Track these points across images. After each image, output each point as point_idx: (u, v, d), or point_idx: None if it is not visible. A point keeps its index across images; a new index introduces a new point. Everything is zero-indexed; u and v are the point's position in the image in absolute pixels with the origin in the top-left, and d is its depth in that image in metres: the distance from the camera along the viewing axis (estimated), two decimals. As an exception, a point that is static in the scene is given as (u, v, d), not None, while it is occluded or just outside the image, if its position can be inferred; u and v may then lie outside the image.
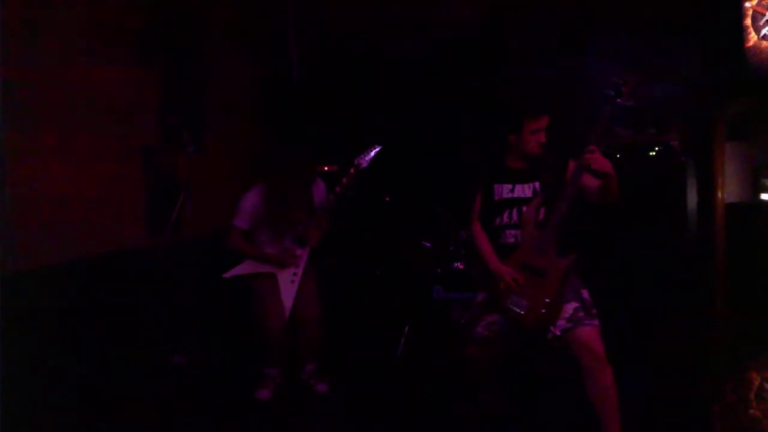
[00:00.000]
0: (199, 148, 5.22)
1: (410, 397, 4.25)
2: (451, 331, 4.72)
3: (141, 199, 5.01)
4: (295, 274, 4.21)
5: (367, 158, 4.11)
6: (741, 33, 5.01)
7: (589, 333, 3.19)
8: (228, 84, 5.99)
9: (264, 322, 4.12)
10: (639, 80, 3.12)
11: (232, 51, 6.17)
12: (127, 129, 4.87)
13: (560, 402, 3.96)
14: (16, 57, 4.03)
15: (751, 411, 3.70)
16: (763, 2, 4.95)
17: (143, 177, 5.00)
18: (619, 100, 3.13)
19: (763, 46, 4.97)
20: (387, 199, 5.40)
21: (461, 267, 5.04)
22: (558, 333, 3.22)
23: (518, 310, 3.27)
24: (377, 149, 4.13)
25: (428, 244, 5.12)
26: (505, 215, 3.44)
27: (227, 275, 4.19)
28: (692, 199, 5.54)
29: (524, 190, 3.42)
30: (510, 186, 3.44)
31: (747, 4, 5.00)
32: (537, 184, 3.40)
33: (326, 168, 5.18)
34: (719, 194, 5.50)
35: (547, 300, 3.20)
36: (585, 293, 3.31)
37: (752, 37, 5.00)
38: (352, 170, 4.09)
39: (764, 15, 4.95)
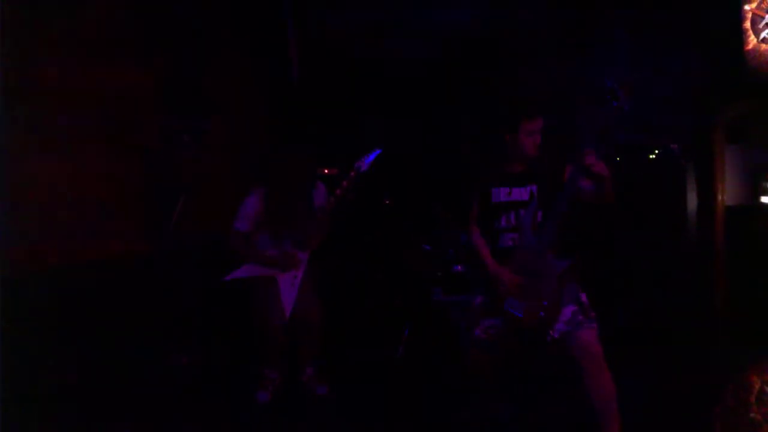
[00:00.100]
0: (200, 150, 5.23)
1: (410, 400, 4.25)
2: (450, 334, 4.73)
3: (141, 201, 5.02)
4: (295, 276, 4.21)
5: (367, 161, 4.11)
6: (740, 36, 5.02)
7: (588, 336, 3.19)
8: (228, 86, 6.00)
9: (264, 324, 4.12)
10: (636, 84, 3.13)
11: (233, 53, 6.18)
12: (128, 131, 4.88)
13: (560, 405, 3.96)
14: (17, 58, 4.05)
15: (752, 414, 3.71)
16: (763, 5, 4.96)
17: (144, 179, 5.02)
18: (615, 104, 3.13)
19: (762, 49, 4.98)
20: (387, 201, 5.40)
21: (461, 270, 5.04)
22: (556, 336, 3.22)
23: (516, 314, 3.28)
24: (377, 152, 4.13)
25: (428, 247, 5.12)
26: (503, 219, 3.44)
27: (228, 278, 4.19)
28: (692, 202, 5.54)
29: (522, 194, 3.42)
30: (507, 189, 3.44)
31: (746, 7, 5.01)
32: (534, 188, 3.40)
33: (326, 171, 5.19)
34: (719, 197, 5.50)
35: (546, 303, 3.20)
36: (583, 296, 3.31)
37: (752, 40, 5.01)
38: (352, 173, 4.09)
39: (764, 18, 4.96)
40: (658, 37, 5.52)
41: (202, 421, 4.01)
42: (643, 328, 5.04)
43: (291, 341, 4.21)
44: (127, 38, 4.90)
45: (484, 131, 3.87)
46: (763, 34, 4.97)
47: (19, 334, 3.72)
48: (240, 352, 4.73)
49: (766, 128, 5.74)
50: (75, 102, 4.44)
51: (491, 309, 3.40)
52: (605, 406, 3.16)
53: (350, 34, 6.43)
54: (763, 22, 4.96)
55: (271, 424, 4.02)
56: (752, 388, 4.04)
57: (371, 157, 4.11)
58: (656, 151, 5.52)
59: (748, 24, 5.02)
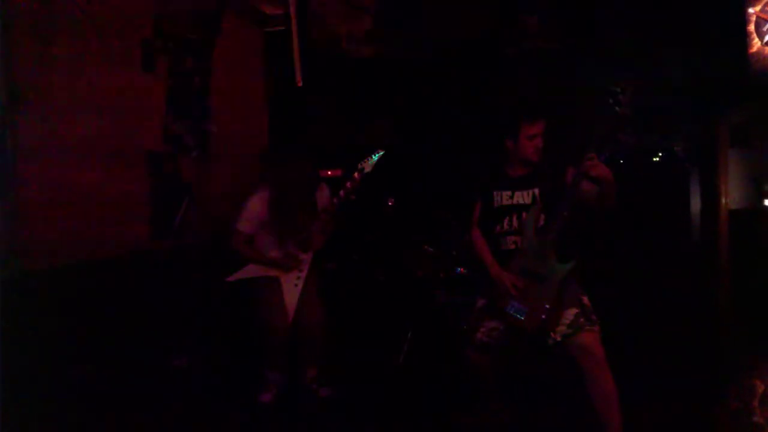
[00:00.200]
0: (203, 153, 5.24)
1: (412, 403, 4.25)
2: (452, 335, 4.72)
3: (145, 203, 5.03)
4: (298, 278, 4.21)
5: (370, 162, 4.11)
6: (744, 39, 5.02)
7: (590, 338, 3.19)
8: (232, 89, 6.01)
9: (267, 325, 4.12)
10: (639, 87, 3.13)
11: (236, 56, 6.19)
12: (132, 134, 4.89)
13: (562, 408, 3.95)
14: (25, 62, 4.07)
15: (755, 418, 3.71)
16: (767, 8, 4.95)
17: (148, 181, 5.03)
18: (618, 107, 3.14)
19: (766, 52, 4.98)
20: (390, 203, 5.40)
21: (464, 272, 5.03)
22: (558, 339, 3.23)
23: (518, 316, 3.28)
24: (380, 153, 4.14)
25: (431, 249, 5.12)
26: (505, 222, 3.44)
27: (231, 279, 4.19)
28: (695, 205, 5.53)
29: (524, 197, 3.42)
30: (509, 193, 3.45)
31: (750, 11, 5.01)
32: (536, 191, 3.40)
33: (329, 172, 5.19)
34: (722, 200, 5.50)
35: (548, 306, 3.21)
36: (585, 299, 3.31)
37: (755, 43, 5.01)
38: (355, 174, 4.09)
39: (767, 21, 4.95)
40: (661, 40, 5.52)
41: (204, 422, 4.00)
42: (646, 329, 5.03)
43: (293, 342, 4.20)
44: (132, 44, 4.91)
45: (485, 134, 3.87)
46: (766, 38, 4.96)
47: (19, 334, 3.72)
48: (242, 353, 4.73)
49: (770, 131, 5.75)
50: (81, 106, 4.45)
51: (493, 311, 3.40)
52: (607, 408, 3.16)
53: (352, 35, 6.44)
54: (767, 26, 4.95)
55: (273, 425, 4.02)
56: (755, 391, 4.03)
57: (374, 158, 4.11)
58: (660, 154, 5.51)
59: (752, 27, 5.02)
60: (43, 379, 4.02)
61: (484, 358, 3.43)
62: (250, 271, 4.21)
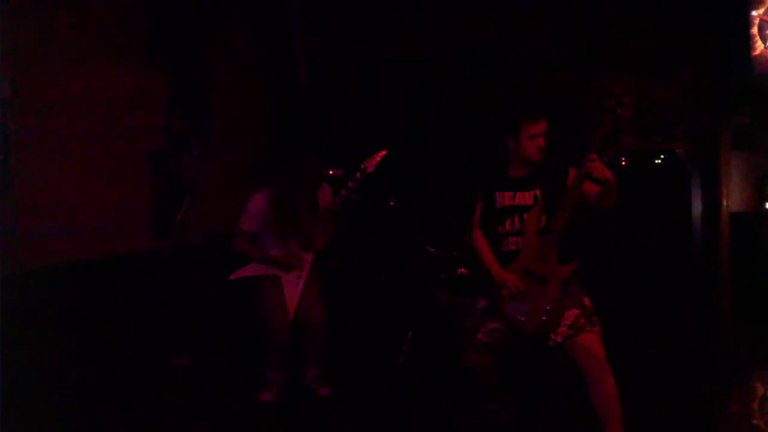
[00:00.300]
0: (205, 152, 5.24)
1: (412, 403, 4.25)
2: (453, 336, 4.72)
3: (146, 201, 5.04)
4: (299, 277, 4.21)
5: (372, 162, 4.12)
6: (748, 41, 5.01)
7: (591, 339, 3.20)
8: (234, 89, 6.02)
9: (268, 324, 4.12)
10: (642, 90, 3.13)
11: (238, 56, 6.20)
12: (134, 132, 4.90)
13: (562, 409, 3.95)
14: (26, 61, 4.07)
15: (755, 421, 3.69)
16: (771, 12, 4.95)
17: (149, 180, 5.05)
18: (620, 109, 3.14)
19: (769, 54, 4.98)
20: (392, 203, 5.40)
21: (465, 272, 5.03)
22: (559, 340, 3.23)
23: (519, 317, 3.28)
24: (383, 153, 4.14)
25: (432, 249, 5.12)
26: (507, 223, 3.44)
27: (232, 277, 4.20)
28: (697, 207, 5.52)
29: (525, 198, 3.42)
30: (511, 194, 3.45)
31: (754, 13, 5.00)
32: (538, 192, 3.40)
33: (331, 172, 5.19)
34: (724, 203, 5.48)
35: (548, 307, 3.21)
36: (586, 300, 3.31)
37: (759, 46, 5.00)
38: (357, 174, 4.10)
39: (771, 24, 4.95)
40: (664, 42, 5.51)
41: (204, 421, 4.01)
42: (646, 331, 5.03)
43: (294, 342, 4.21)
44: (134, 43, 4.92)
45: (487, 134, 3.87)
46: (770, 40, 4.96)
47: (19, 333, 3.72)
48: (242, 353, 4.73)
49: (772, 135, 5.73)
50: (82, 105, 4.46)
51: (494, 312, 3.40)
52: (608, 410, 3.16)
53: (355, 36, 6.44)
54: (771, 29, 4.95)
55: (273, 425, 4.03)
56: (755, 394, 4.02)
57: (376, 158, 4.12)
58: (662, 156, 5.50)
59: (755, 30, 5.01)
60: (43, 379, 4.03)
61: (485, 358, 3.43)
62: (252, 269, 4.21)
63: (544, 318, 3.21)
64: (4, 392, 3.43)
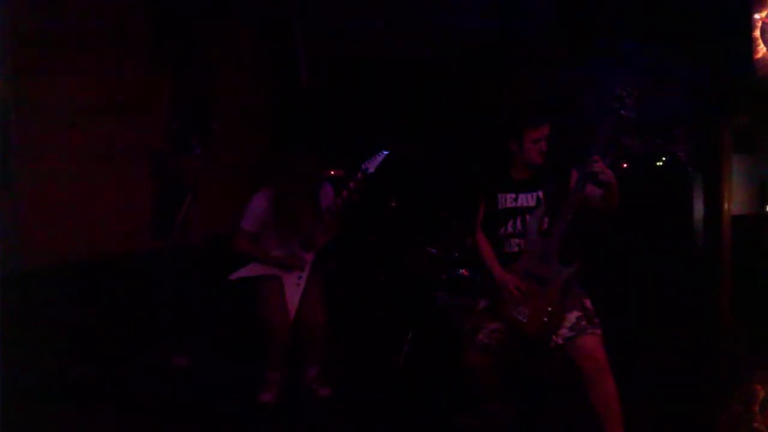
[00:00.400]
0: (207, 152, 5.24)
1: (412, 403, 4.24)
2: (453, 337, 4.72)
3: (148, 201, 5.04)
4: (300, 277, 4.21)
5: (374, 163, 4.12)
6: (750, 44, 5.01)
7: (592, 341, 3.19)
8: (235, 88, 6.02)
9: (268, 324, 4.12)
10: (643, 91, 3.12)
11: (239, 56, 6.20)
12: (136, 132, 4.90)
13: (562, 411, 3.95)
14: (28, 61, 4.07)
15: (755, 424, 3.70)
16: (773, 15, 4.95)
17: (150, 180, 5.04)
18: (623, 111, 3.13)
19: (771, 58, 4.98)
20: (393, 204, 5.40)
21: (466, 273, 5.03)
22: (560, 341, 3.22)
23: (520, 319, 3.27)
24: (385, 154, 4.14)
25: (433, 250, 5.12)
26: (509, 224, 3.44)
27: (233, 277, 4.20)
28: (698, 210, 5.52)
29: (528, 200, 3.42)
30: (514, 195, 3.45)
31: (756, 16, 5.01)
32: (540, 193, 3.40)
33: (333, 172, 5.19)
34: (726, 206, 5.49)
35: (550, 309, 3.20)
36: (587, 302, 3.31)
37: (761, 49, 5.00)
38: (359, 175, 4.10)
39: (774, 27, 4.96)
40: (667, 45, 5.51)
41: (204, 421, 4.00)
42: (648, 333, 5.03)
43: (294, 342, 4.20)
44: (137, 43, 4.92)
45: (489, 137, 3.87)
46: (772, 43, 4.96)
47: (19, 333, 3.72)
48: (243, 353, 4.72)
49: (774, 137, 5.74)
50: (84, 105, 4.46)
51: (495, 313, 3.40)
52: (608, 412, 3.16)
53: (357, 37, 6.44)
54: (773, 32, 4.95)
55: (274, 425, 4.02)
56: (756, 396, 4.03)
57: (378, 158, 4.11)
58: (663, 159, 5.50)
59: (757, 33, 5.01)
60: (43, 379, 4.03)
61: (485, 359, 3.42)
62: (253, 269, 4.21)
63: (545, 319, 3.21)
64: (4, 392, 3.42)
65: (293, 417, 4.11)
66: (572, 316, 3.24)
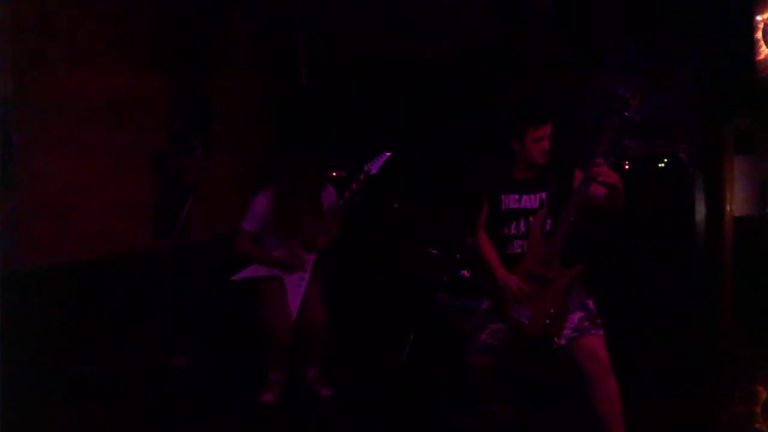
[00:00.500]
0: (208, 152, 5.23)
1: (413, 403, 4.24)
2: (455, 338, 4.72)
3: (149, 201, 5.03)
4: (302, 278, 4.21)
5: (376, 164, 4.12)
6: (752, 46, 5.02)
7: (594, 342, 3.19)
8: (236, 89, 6.01)
9: (270, 324, 4.12)
10: (647, 93, 3.12)
11: (240, 56, 6.19)
12: (137, 132, 4.89)
13: (564, 412, 3.95)
14: (28, 61, 4.06)
15: (757, 425, 3.70)
16: (776, 16, 4.96)
17: (152, 180, 5.03)
18: (626, 112, 3.13)
19: (773, 59, 4.98)
20: (395, 205, 5.40)
21: (467, 275, 5.03)
22: (563, 342, 3.22)
23: (522, 320, 3.27)
24: (387, 156, 4.14)
25: (435, 251, 5.12)
26: (512, 225, 3.44)
27: (235, 278, 4.20)
28: (700, 211, 5.51)
29: (531, 201, 3.41)
30: (517, 196, 3.44)
31: (758, 18, 5.01)
32: (544, 195, 3.39)
33: (335, 173, 5.19)
34: (727, 207, 5.49)
35: (552, 311, 3.20)
36: (590, 303, 3.31)
37: (763, 51, 5.01)
38: (361, 176, 4.10)
39: (776, 29, 4.96)
40: (668, 46, 5.52)
41: (205, 421, 4.00)
42: (649, 335, 5.03)
43: (295, 342, 4.20)
44: (138, 43, 4.91)
45: (491, 137, 3.87)
46: (774, 45, 4.97)
47: (19, 332, 3.71)
48: (244, 353, 4.72)
49: (776, 139, 5.74)
50: (86, 105, 4.45)
51: (497, 314, 3.40)
52: (609, 412, 3.16)
53: (359, 37, 6.44)
54: (775, 33, 4.96)
55: (275, 425, 4.02)
56: (758, 398, 4.03)
57: (381, 160, 4.11)
58: (665, 160, 5.50)
59: (759, 34, 5.02)
60: (43, 379, 4.02)
61: (487, 359, 3.42)
62: (254, 270, 4.22)
63: (547, 321, 3.21)
64: (4, 392, 3.41)
65: (294, 417, 4.11)
66: (575, 317, 3.24)
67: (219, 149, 5.46)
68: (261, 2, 6.35)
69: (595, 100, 4.82)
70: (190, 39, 5.30)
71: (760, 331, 5.10)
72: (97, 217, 4.50)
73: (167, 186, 5.06)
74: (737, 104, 5.39)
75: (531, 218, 3.38)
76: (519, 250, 3.42)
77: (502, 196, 3.47)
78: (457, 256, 5.06)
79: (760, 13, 5.01)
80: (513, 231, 3.44)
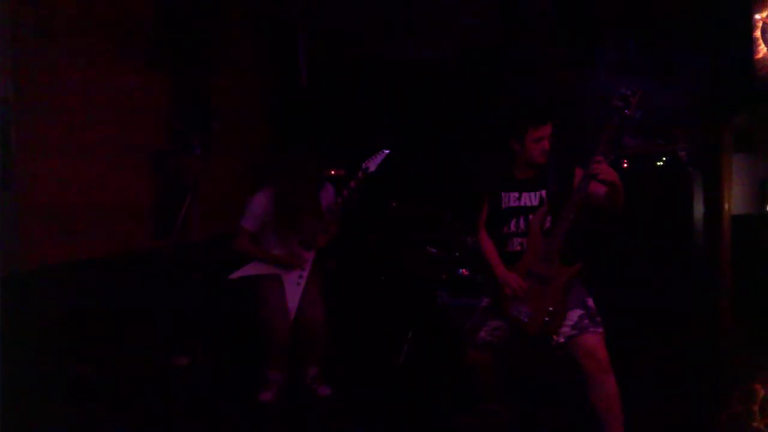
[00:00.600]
0: (207, 152, 5.24)
1: (412, 403, 4.24)
2: (454, 337, 4.72)
3: (148, 200, 5.03)
4: (300, 276, 4.21)
5: (375, 162, 4.12)
6: (750, 44, 5.02)
7: (593, 340, 3.19)
8: (235, 88, 6.02)
9: (269, 323, 4.12)
10: (647, 91, 3.12)
11: (240, 56, 6.20)
12: (137, 132, 4.89)
13: (562, 410, 3.95)
14: (27, 60, 4.07)
15: (755, 423, 3.70)
16: (774, 14, 4.96)
17: (151, 179, 5.03)
18: (627, 111, 3.13)
19: (772, 58, 4.99)
20: (394, 204, 5.40)
21: (466, 273, 5.03)
22: (562, 340, 3.22)
23: (522, 318, 3.28)
24: (385, 153, 4.14)
25: (434, 250, 5.12)
26: (512, 223, 3.44)
27: (233, 276, 4.20)
28: (699, 210, 5.52)
29: (531, 199, 3.41)
30: (517, 194, 3.44)
31: (757, 16, 5.02)
32: (544, 193, 3.39)
33: (333, 172, 5.19)
34: (726, 206, 5.50)
35: (551, 309, 3.21)
36: (590, 301, 3.31)
37: (762, 49, 5.01)
38: (360, 174, 4.10)
39: (774, 27, 4.96)
40: (667, 45, 5.52)
41: (204, 421, 4.00)
42: (648, 333, 5.03)
43: (294, 342, 4.20)
44: (137, 43, 4.91)
45: (491, 138, 3.87)
46: (773, 44, 4.97)
47: (19, 332, 3.71)
48: (243, 352, 4.72)
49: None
50: (85, 104, 4.45)
51: (497, 311, 3.40)
52: (609, 411, 3.16)
53: (359, 37, 6.45)
54: (774, 32, 4.96)
55: (274, 424, 4.02)
56: (756, 396, 4.03)
57: (379, 158, 4.12)
58: (664, 159, 5.50)
59: (758, 33, 5.02)
60: (43, 379, 4.02)
61: (487, 356, 3.43)
62: (253, 268, 4.22)
63: (546, 319, 3.21)
64: (4, 392, 3.41)
65: (293, 416, 4.11)
66: (574, 314, 3.24)
67: (219, 149, 5.47)
68: (261, 2, 6.35)
69: (595, 100, 4.81)
70: (190, 39, 5.30)
71: (758, 329, 5.11)
72: (97, 217, 4.50)
73: (167, 186, 5.06)
74: (736, 103, 5.40)
75: (531, 216, 3.38)
76: (519, 248, 3.42)
77: (502, 194, 3.47)
78: (456, 254, 5.06)
79: (759, 11, 5.01)
80: (513, 229, 3.44)
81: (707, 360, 4.83)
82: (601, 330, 3.23)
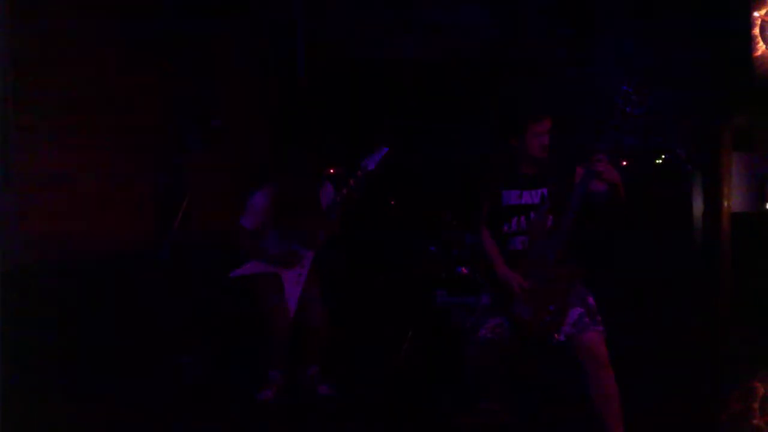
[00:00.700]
0: (206, 151, 5.24)
1: (412, 402, 4.24)
2: (453, 335, 4.72)
3: (147, 199, 5.04)
4: (300, 275, 4.21)
5: (373, 159, 4.12)
6: (749, 42, 5.02)
7: (594, 339, 3.18)
8: (235, 87, 6.02)
9: (268, 322, 4.12)
10: (647, 89, 3.12)
11: (240, 55, 6.20)
12: (135, 131, 4.90)
13: (562, 409, 3.94)
14: (27, 59, 4.08)
15: (755, 421, 3.70)
16: (772, 13, 4.96)
17: (150, 177, 5.04)
18: (627, 108, 3.12)
19: (771, 56, 4.99)
20: (393, 202, 5.40)
21: (465, 271, 5.03)
22: (562, 338, 3.22)
23: (523, 317, 3.27)
24: (384, 151, 4.14)
25: (433, 248, 5.12)
26: (513, 222, 3.43)
27: (233, 274, 4.20)
28: (698, 207, 5.52)
29: (532, 197, 3.40)
30: (518, 192, 3.43)
31: (756, 14, 5.01)
32: (545, 191, 3.38)
33: (333, 170, 5.19)
34: (725, 203, 5.49)
35: (552, 307, 3.20)
36: (590, 299, 3.30)
37: (760, 47, 5.01)
38: (358, 172, 4.10)
39: (773, 25, 4.96)
40: (666, 43, 5.52)
41: (204, 419, 4.00)
42: (648, 332, 5.02)
43: (294, 340, 4.20)
44: (138, 41, 4.92)
45: (491, 134, 3.86)
46: (772, 41, 4.97)
47: (19, 330, 3.71)
48: (243, 351, 4.72)
49: (774, 135, 5.75)
50: (85, 102, 4.46)
51: (498, 309, 3.39)
52: (608, 410, 3.15)
53: (358, 36, 6.45)
54: (773, 30, 4.96)
55: (273, 423, 4.02)
56: (756, 394, 4.03)
57: (378, 156, 4.11)
58: (663, 157, 5.50)
59: (757, 31, 5.02)
60: (43, 379, 4.02)
61: (486, 355, 3.42)
62: (253, 267, 4.21)
63: (547, 318, 3.21)
64: (4, 392, 3.42)
65: (293, 415, 4.11)
66: (575, 312, 3.23)
67: (218, 149, 5.47)
68: (261, 2, 6.35)
69: (595, 98, 4.82)
70: (191, 38, 5.31)
71: (758, 327, 5.10)
72: (96, 216, 4.51)
73: (166, 184, 5.06)
74: (735, 101, 5.40)
75: (532, 214, 3.37)
76: (520, 247, 3.41)
77: (503, 193, 3.45)
78: (455, 253, 5.06)
79: (758, 9, 5.01)
80: (514, 227, 3.43)
81: (707, 356, 4.82)
82: (601, 328, 3.22)
